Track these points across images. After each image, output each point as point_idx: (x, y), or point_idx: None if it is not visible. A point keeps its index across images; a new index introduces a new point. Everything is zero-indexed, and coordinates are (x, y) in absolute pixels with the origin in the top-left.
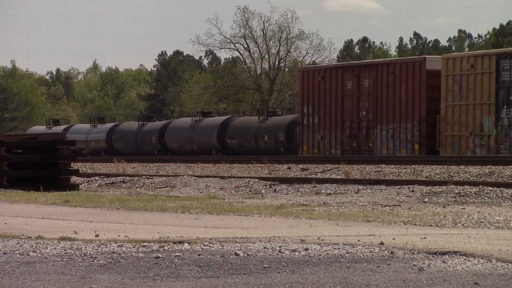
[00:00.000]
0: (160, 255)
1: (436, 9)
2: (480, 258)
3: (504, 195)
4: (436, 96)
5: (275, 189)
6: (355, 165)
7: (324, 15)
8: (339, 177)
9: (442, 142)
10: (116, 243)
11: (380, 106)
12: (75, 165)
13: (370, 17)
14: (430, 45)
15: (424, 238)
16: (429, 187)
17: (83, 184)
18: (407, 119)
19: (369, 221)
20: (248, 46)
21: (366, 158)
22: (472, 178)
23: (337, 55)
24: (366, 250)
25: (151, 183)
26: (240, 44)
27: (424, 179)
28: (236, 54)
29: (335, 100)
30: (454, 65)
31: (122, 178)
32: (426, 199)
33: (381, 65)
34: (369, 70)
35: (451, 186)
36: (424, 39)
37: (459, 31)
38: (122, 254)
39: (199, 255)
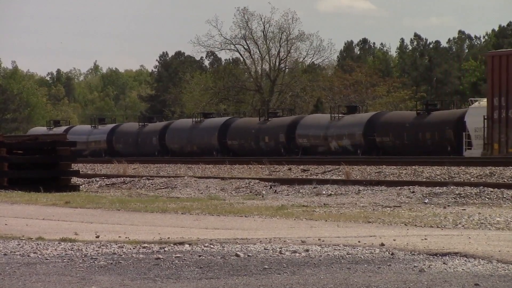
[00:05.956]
0: (161, 256)
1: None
2: (480, 259)
3: (504, 196)
4: None
5: (275, 190)
6: (355, 166)
7: (317, 16)
8: (339, 178)
9: None
10: (116, 244)
11: None
12: (75, 166)
13: (364, 17)
14: (431, 46)
15: (425, 239)
16: (430, 188)
17: (83, 185)
18: None
19: (370, 222)
20: (249, 47)
21: (366, 159)
22: (472, 179)
23: (337, 56)
24: (366, 251)
25: (152, 184)
26: (241, 45)
27: (424, 180)
28: (237, 55)
29: None
30: None
31: (122, 179)
32: (426, 200)
33: None
34: None
35: (452, 187)
36: (425, 40)
37: (459, 32)
38: (123, 255)
39: (199, 256)
